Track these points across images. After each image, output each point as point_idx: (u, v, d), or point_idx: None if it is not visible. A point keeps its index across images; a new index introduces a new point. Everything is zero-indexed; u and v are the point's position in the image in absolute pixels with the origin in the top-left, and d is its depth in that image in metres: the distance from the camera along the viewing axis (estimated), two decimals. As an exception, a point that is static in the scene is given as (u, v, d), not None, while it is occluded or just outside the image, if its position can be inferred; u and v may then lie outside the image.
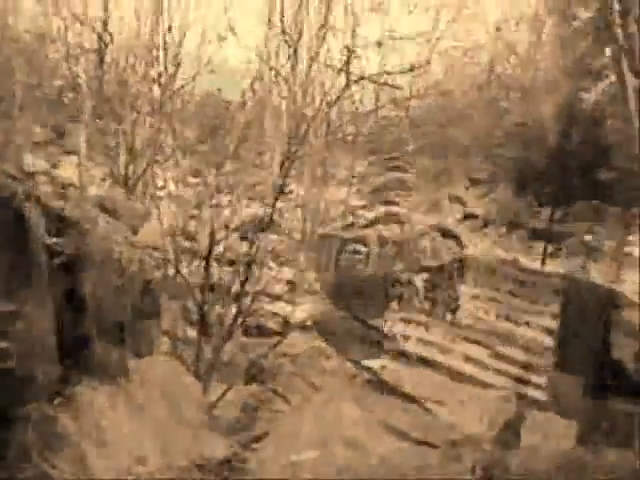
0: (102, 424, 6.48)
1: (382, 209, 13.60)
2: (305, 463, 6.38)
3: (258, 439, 7.54)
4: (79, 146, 14.30)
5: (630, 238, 11.62)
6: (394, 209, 13.57)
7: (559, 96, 14.63)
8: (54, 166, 14.84)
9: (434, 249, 11.53)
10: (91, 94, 14.29)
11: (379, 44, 13.62)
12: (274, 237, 12.55)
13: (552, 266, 12.12)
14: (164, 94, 13.43)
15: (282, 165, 11.81)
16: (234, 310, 10.59)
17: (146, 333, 7.92)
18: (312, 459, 6.37)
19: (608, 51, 15.34)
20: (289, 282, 12.20)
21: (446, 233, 13.20)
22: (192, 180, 13.28)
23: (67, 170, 14.49)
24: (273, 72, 13.09)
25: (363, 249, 12.94)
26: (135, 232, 12.16)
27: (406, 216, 13.39)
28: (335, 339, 9.87)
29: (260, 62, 13.60)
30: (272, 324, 11.46)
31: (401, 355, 7.91)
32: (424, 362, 7.71)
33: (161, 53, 13.77)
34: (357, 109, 13.78)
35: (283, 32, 13.35)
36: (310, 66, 13.26)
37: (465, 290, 7.72)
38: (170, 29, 13.38)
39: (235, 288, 11.02)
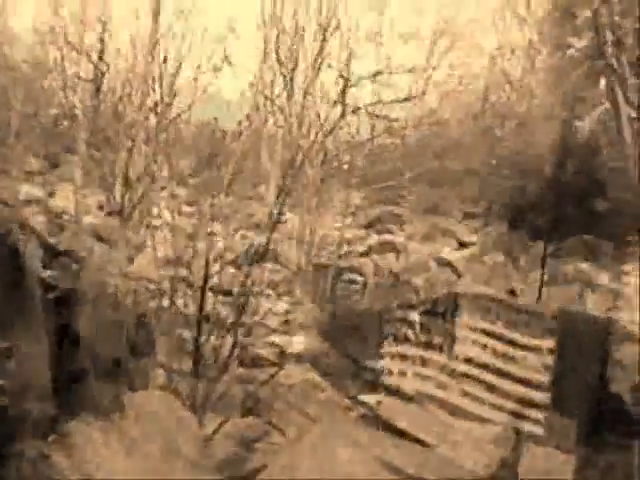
0: (96, 461, 6.43)
1: (377, 238, 13.61)
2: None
3: (255, 473, 7.48)
4: (74, 175, 14.32)
5: (626, 268, 11.64)
6: (389, 238, 13.58)
7: (554, 125, 14.70)
8: (50, 195, 14.86)
9: (430, 279, 11.54)
10: (87, 123, 14.33)
11: (375, 74, 13.71)
12: (270, 267, 12.53)
13: (548, 294, 12.13)
14: (160, 123, 13.46)
15: (278, 195, 11.82)
16: (230, 341, 10.54)
17: (141, 367, 7.87)
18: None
19: (602, 80, 15.45)
20: (285, 312, 12.17)
21: (442, 262, 13.23)
22: (187, 209, 13.28)
23: (62, 199, 14.50)
24: (269, 102, 13.15)
25: (359, 278, 12.93)
26: (131, 261, 12.17)
27: (402, 245, 13.40)
28: (329, 373, 9.82)
29: (256, 92, 13.70)
30: (268, 355, 11.40)
31: (397, 390, 7.87)
32: (420, 397, 7.67)
33: (157, 83, 13.81)
34: (353, 138, 13.83)
35: (279, 62, 13.46)
36: (305, 96, 13.32)
37: (461, 324, 7.70)
38: (165, 60, 13.43)
39: (231, 319, 10.98)
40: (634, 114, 14.87)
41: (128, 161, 13.50)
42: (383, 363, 7.95)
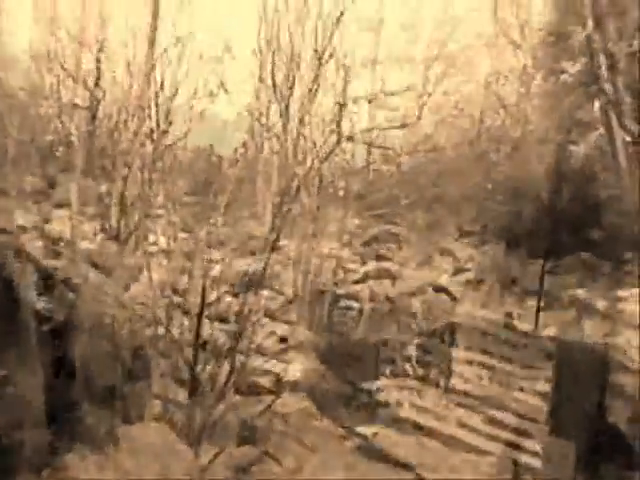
0: (91, 495, 6.39)
1: (374, 264, 13.61)
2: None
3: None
4: (70, 201, 14.29)
5: (622, 294, 11.62)
6: (386, 264, 13.58)
7: (548, 149, 14.75)
8: (45, 221, 14.82)
9: (427, 307, 11.51)
10: (83, 149, 14.34)
11: (370, 99, 13.75)
12: (266, 293, 12.50)
13: (545, 320, 12.10)
14: (156, 150, 13.47)
15: (274, 222, 11.83)
16: (227, 369, 10.50)
17: (136, 398, 7.84)
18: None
19: (597, 105, 15.52)
20: (282, 339, 12.14)
21: (438, 287, 13.20)
22: (183, 235, 13.26)
23: (58, 225, 14.46)
24: (264, 128, 13.18)
25: (355, 305, 12.92)
26: (127, 288, 12.14)
27: (398, 271, 13.39)
28: (325, 403, 9.79)
29: (251, 118, 13.74)
30: (264, 382, 11.36)
31: (394, 421, 7.83)
32: (417, 428, 7.63)
33: (153, 109, 13.83)
34: (348, 164, 13.86)
35: (274, 87, 13.51)
36: (301, 122, 13.35)
37: (458, 355, 7.67)
38: (162, 86, 13.46)
39: (227, 346, 10.95)
40: (629, 138, 14.93)
41: (124, 187, 13.49)
42: (380, 393, 7.93)
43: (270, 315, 12.40)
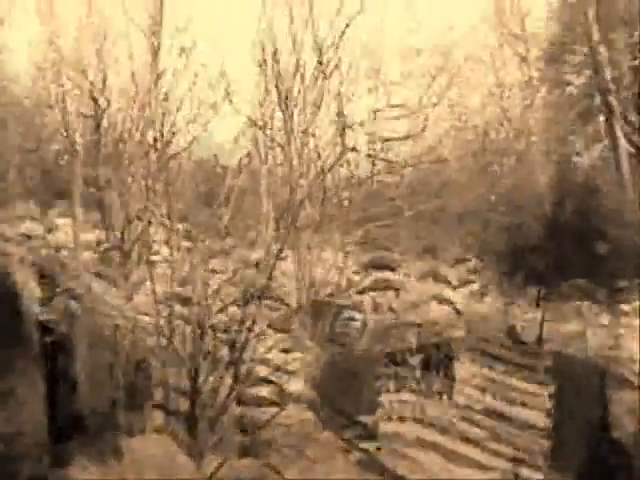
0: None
1: (377, 275, 13.58)
2: None
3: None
4: (74, 210, 14.32)
5: (625, 308, 11.60)
6: (389, 276, 13.56)
7: (552, 162, 14.75)
8: (49, 230, 14.82)
9: (430, 317, 11.50)
10: (87, 159, 14.35)
11: (375, 111, 13.76)
12: (269, 305, 12.49)
13: (549, 332, 12.07)
14: (160, 160, 13.48)
15: (277, 232, 11.85)
16: (229, 381, 10.49)
17: (138, 411, 7.83)
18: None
19: (601, 117, 15.53)
20: (284, 350, 12.11)
21: (442, 299, 13.18)
22: (186, 245, 13.26)
23: (62, 234, 14.48)
24: (268, 139, 13.20)
25: (358, 316, 12.90)
26: (130, 298, 12.13)
27: (401, 283, 13.38)
28: (327, 417, 9.77)
29: (256, 129, 13.75)
30: (267, 394, 11.33)
31: (397, 436, 7.80)
32: (420, 444, 7.61)
33: (157, 119, 13.85)
34: (352, 175, 13.85)
35: (279, 100, 13.53)
36: (305, 134, 13.36)
37: (461, 369, 7.65)
38: (167, 97, 13.49)
39: (230, 357, 10.94)
40: (633, 150, 14.94)
41: (128, 197, 13.49)
42: (382, 410, 7.90)
43: (273, 326, 12.38)
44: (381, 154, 12.91)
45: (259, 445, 9.68)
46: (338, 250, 13.43)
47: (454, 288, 13.26)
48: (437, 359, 7.81)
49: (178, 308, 11.71)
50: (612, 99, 15.01)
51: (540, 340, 11.32)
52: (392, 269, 13.61)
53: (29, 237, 13.97)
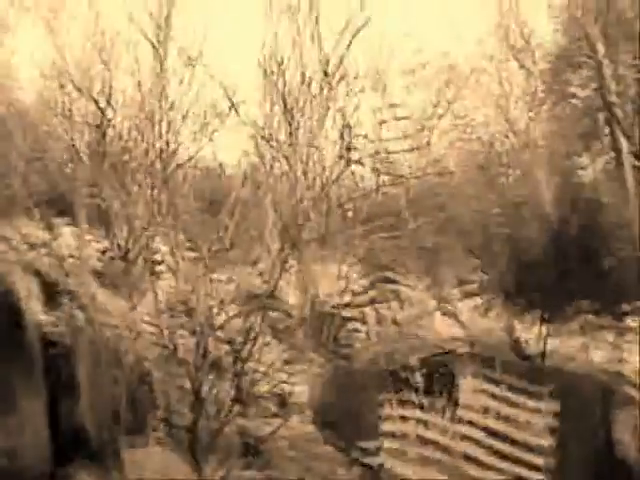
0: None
1: (381, 286, 13.58)
2: None
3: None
4: (79, 219, 14.32)
5: (631, 323, 11.60)
6: (393, 287, 13.56)
7: (557, 174, 14.77)
8: (54, 238, 14.83)
9: (434, 331, 11.50)
10: (93, 167, 14.37)
11: (380, 122, 13.79)
12: (273, 315, 12.50)
13: (553, 346, 12.06)
14: (165, 169, 13.51)
15: (282, 244, 11.85)
16: (232, 392, 10.48)
17: (141, 423, 7.82)
18: None
19: (606, 130, 15.55)
20: (288, 362, 12.11)
21: (446, 312, 13.19)
22: (191, 254, 13.28)
23: (67, 242, 14.48)
24: (274, 150, 13.23)
25: (362, 327, 12.91)
26: (133, 308, 12.15)
27: (405, 294, 13.38)
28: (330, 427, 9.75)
29: (261, 139, 13.76)
30: (270, 404, 11.33)
31: (400, 453, 7.78)
32: (423, 461, 7.59)
33: (163, 127, 13.89)
34: (357, 186, 13.88)
35: (284, 110, 13.55)
36: (310, 145, 13.39)
37: (465, 385, 7.63)
38: (173, 106, 13.53)
39: (234, 367, 10.93)
40: (638, 163, 14.95)
41: (133, 206, 13.51)
42: (385, 427, 7.89)
43: (277, 337, 12.39)
44: (386, 166, 12.90)
45: (262, 457, 9.66)
46: (342, 262, 13.43)
47: (458, 301, 13.27)
48: (440, 374, 7.80)
49: (182, 319, 11.72)
50: (617, 112, 15.03)
51: (544, 354, 11.34)
52: (396, 281, 13.62)
53: (33, 246, 13.98)
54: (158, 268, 13.18)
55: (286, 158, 13.39)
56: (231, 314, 11.76)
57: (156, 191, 13.26)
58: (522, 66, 15.84)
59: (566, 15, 15.89)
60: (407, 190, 13.73)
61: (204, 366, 10.63)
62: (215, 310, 11.68)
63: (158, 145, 13.76)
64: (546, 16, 15.95)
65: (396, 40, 14.22)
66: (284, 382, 11.59)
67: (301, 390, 11.34)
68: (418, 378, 7.90)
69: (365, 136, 13.31)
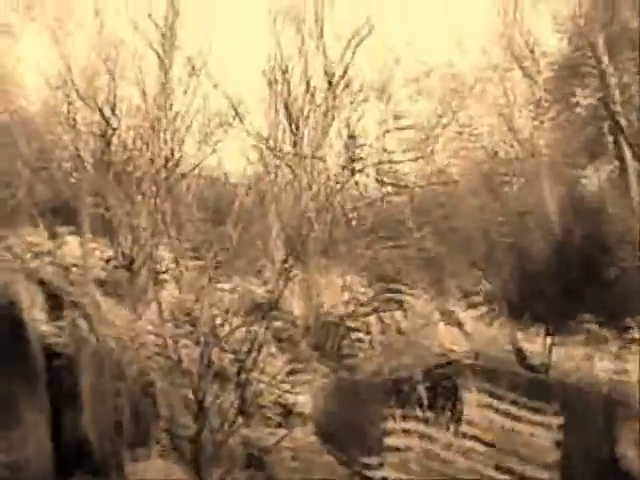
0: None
1: (385, 296, 13.56)
2: None
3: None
4: (83, 228, 14.34)
5: (635, 335, 11.57)
6: (397, 297, 13.54)
7: (561, 183, 14.74)
8: (58, 246, 14.84)
9: (437, 341, 11.47)
10: (97, 176, 14.38)
11: (384, 132, 13.80)
12: (278, 324, 12.50)
13: (557, 356, 12.02)
14: (169, 178, 13.53)
15: (286, 253, 11.85)
16: (236, 402, 10.47)
17: (144, 435, 7.82)
18: None
19: (610, 138, 15.53)
20: (291, 372, 12.09)
21: (450, 321, 13.16)
22: (195, 264, 13.29)
23: (71, 251, 14.49)
24: (278, 159, 13.24)
25: (366, 337, 12.88)
26: (139, 317, 12.15)
27: (409, 304, 13.36)
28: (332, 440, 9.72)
29: (265, 147, 13.79)
30: (274, 415, 11.31)
31: (403, 467, 7.76)
32: (427, 473, 7.57)
33: (168, 136, 13.92)
34: (362, 195, 13.88)
35: (289, 120, 13.57)
36: (314, 155, 13.40)
37: (469, 399, 7.61)
38: (177, 116, 13.56)
39: (238, 378, 10.93)
40: (643, 171, 14.92)
41: (137, 215, 13.52)
42: (389, 441, 7.87)
43: (280, 347, 12.38)
44: (390, 176, 12.91)
45: (265, 470, 9.65)
46: (346, 272, 13.42)
47: (463, 310, 13.25)
48: (444, 387, 7.77)
49: (186, 328, 11.72)
50: (621, 121, 15.01)
51: (548, 365, 11.30)
52: (400, 291, 13.60)
53: (37, 254, 13.99)
54: (162, 277, 13.18)
55: (290, 167, 13.39)
56: (235, 324, 11.75)
57: (160, 200, 13.28)
58: (526, 75, 15.81)
59: (570, 25, 15.87)
60: (411, 199, 13.72)
61: (208, 376, 10.62)
62: (219, 320, 11.68)
63: (162, 154, 13.79)
64: (550, 25, 15.93)
65: (400, 49, 14.23)
66: (288, 392, 11.59)
67: (304, 400, 11.32)
68: (422, 392, 7.87)
69: (370, 145, 13.33)
